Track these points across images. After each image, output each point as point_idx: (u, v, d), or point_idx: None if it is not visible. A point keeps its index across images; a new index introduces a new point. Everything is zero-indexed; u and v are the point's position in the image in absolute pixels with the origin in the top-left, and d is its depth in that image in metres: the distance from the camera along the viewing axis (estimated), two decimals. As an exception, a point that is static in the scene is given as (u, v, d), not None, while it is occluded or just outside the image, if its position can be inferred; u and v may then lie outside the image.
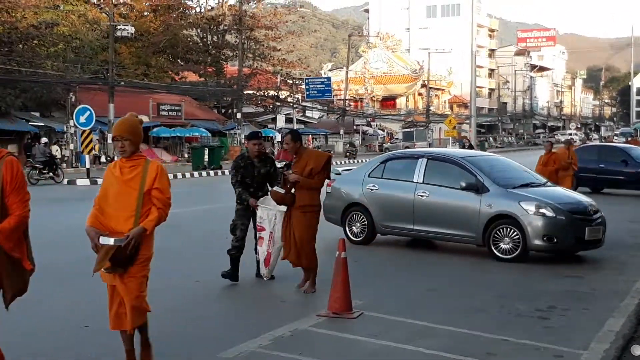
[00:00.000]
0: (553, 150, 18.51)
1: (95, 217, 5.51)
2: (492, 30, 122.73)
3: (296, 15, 72.54)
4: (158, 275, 10.10)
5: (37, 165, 29.26)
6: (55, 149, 42.83)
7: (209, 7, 65.46)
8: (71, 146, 41.61)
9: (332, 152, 60.60)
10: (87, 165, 31.93)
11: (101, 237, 5.32)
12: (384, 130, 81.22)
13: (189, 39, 63.34)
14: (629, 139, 54.54)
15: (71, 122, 38.71)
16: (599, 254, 11.86)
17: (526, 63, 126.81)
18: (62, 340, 6.95)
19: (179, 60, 62.56)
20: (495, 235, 11.42)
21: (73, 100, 42.85)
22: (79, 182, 29.57)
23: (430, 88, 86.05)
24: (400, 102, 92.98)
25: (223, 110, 63.81)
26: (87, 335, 7.09)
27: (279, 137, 53.99)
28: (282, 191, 8.87)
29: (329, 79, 67.85)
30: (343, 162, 50.90)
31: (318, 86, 65.32)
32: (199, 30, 64.14)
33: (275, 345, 6.77)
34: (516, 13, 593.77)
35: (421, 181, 12.33)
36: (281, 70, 65.62)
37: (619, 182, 23.96)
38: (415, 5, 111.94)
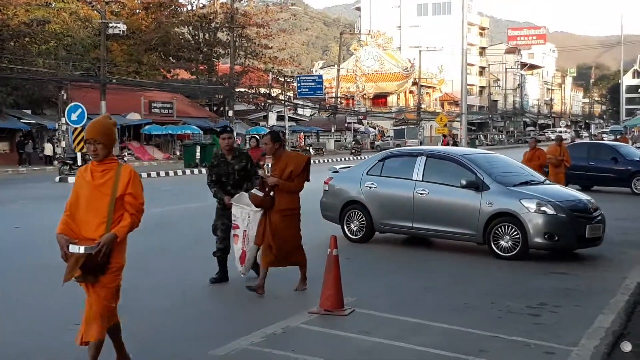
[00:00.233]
0: (537, 147, 18.57)
1: (65, 224, 5.25)
2: (482, 29, 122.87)
3: (288, 13, 72.68)
4: (149, 273, 10.17)
5: (68, 161, 29.72)
6: (49, 147, 42.80)
7: (201, 5, 65.57)
8: (63, 144, 41.52)
9: (323, 149, 61.00)
10: (80, 163, 31.83)
11: (70, 245, 5.07)
12: (375, 128, 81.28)
13: (180, 37, 63.29)
14: (618, 137, 54.63)
15: (63, 120, 38.66)
16: (589, 251, 11.90)
17: (516, 61, 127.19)
18: (58, 340, 6.96)
19: (170, 58, 62.49)
20: (495, 233, 11.40)
21: (65, 97, 42.80)
22: (70, 179, 29.46)
23: (422, 86, 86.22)
24: (392, 99, 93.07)
25: (215, 108, 63.77)
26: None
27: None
28: (261, 194, 8.66)
29: (320, 76, 67.85)
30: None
31: (309, 84, 65.35)
32: (190, 28, 64.07)
33: (267, 342, 6.78)
34: (507, 11, 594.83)
35: (420, 179, 12.27)
36: (273, 68, 65.62)
37: (608, 180, 24.01)
38: (406, 3, 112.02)
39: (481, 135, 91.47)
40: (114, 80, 48.51)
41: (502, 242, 11.34)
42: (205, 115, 59.12)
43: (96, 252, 5.06)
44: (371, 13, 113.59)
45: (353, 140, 64.40)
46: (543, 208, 11.18)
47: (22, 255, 11.72)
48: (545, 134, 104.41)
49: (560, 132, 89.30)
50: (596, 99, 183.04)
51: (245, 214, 9.02)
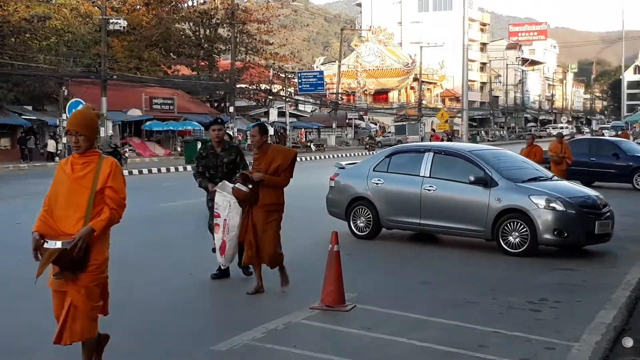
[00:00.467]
0: (534, 144, 18.56)
1: (43, 221, 5.00)
2: (483, 24, 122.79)
3: (289, 9, 72.49)
4: (150, 269, 10.19)
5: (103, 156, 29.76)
6: (52, 144, 42.77)
7: (202, 1, 65.44)
8: (64, 139, 41.50)
9: (324, 145, 61.03)
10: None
11: (49, 241, 4.85)
12: (376, 124, 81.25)
13: (181, 33, 63.22)
14: (619, 132, 54.59)
15: (64, 116, 38.62)
16: (590, 246, 11.91)
17: (517, 57, 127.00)
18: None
19: (171, 54, 62.45)
20: (504, 229, 11.36)
21: (65, 93, 42.75)
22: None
23: (422, 82, 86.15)
24: (393, 95, 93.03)
25: (216, 104, 63.72)
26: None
27: (271, 131, 53.96)
28: (245, 189, 8.38)
29: (321, 72, 67.90)
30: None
31: (310, 80, 65.32)
32: (191, 24, 63.98)
33: (269, 337, 6.79)
34: (507, 7, 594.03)
35: (428, 175, 12.24)
36: (274, 64, 65.54)
37: (609, 176, 24.00)
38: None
39: (482, 131, 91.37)
40: (115, 77, 48.50)
41: (511, 239, 11.30)
42: (206, 112, 59.06)
43: (71, 247, 4.81)
44: (372, 9, 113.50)
45: (367, 136, 64.83)
46: (552, 204, 11.14)
47: (23, 252, 11.69)
48: (547, 129, 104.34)
49: (562, 127, 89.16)
50: (597, 94, 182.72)
51: (227, 202, 8.75)
